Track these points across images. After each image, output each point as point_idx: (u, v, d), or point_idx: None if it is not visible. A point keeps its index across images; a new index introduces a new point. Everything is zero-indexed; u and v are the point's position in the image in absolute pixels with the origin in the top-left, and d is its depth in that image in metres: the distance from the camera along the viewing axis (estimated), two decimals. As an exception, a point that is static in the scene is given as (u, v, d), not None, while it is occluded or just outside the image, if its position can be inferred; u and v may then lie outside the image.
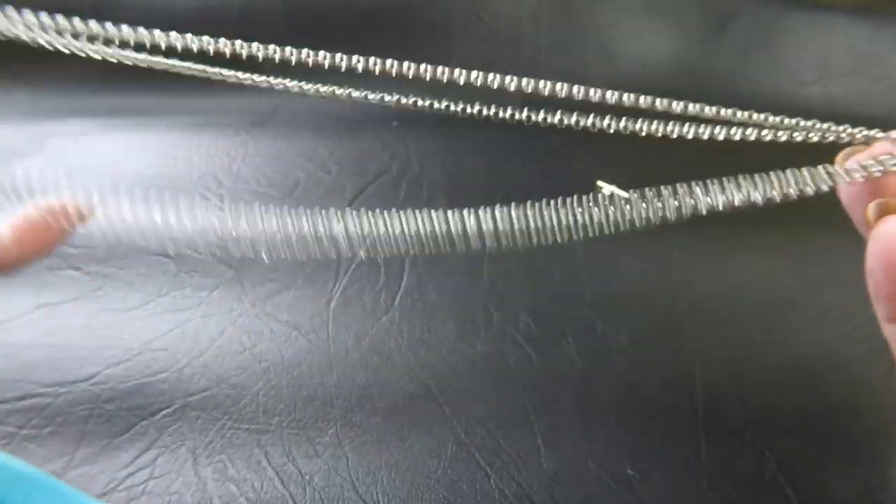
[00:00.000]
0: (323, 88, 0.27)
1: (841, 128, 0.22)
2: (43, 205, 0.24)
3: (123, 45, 0.24)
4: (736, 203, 0.20)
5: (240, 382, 0.30)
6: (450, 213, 0.22)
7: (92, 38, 0.23)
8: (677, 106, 0.24)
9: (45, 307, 0.33)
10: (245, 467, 0.27)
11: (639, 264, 0.35)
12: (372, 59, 0.25)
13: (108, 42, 0.24)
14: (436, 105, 0.27)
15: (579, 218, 0.21)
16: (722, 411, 0.30)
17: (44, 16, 0.22)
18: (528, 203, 0.21)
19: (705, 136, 0.25)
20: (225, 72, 0.26)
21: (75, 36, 0.23)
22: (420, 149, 0.44)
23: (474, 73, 0.25)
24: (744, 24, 0.47)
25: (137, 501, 0.26)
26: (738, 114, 0.23)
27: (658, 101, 0.24)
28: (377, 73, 0.26)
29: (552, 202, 0.21)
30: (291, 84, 0.26)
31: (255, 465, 0.27)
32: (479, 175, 0.43)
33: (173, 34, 0.24)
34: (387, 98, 0.27)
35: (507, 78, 0.25)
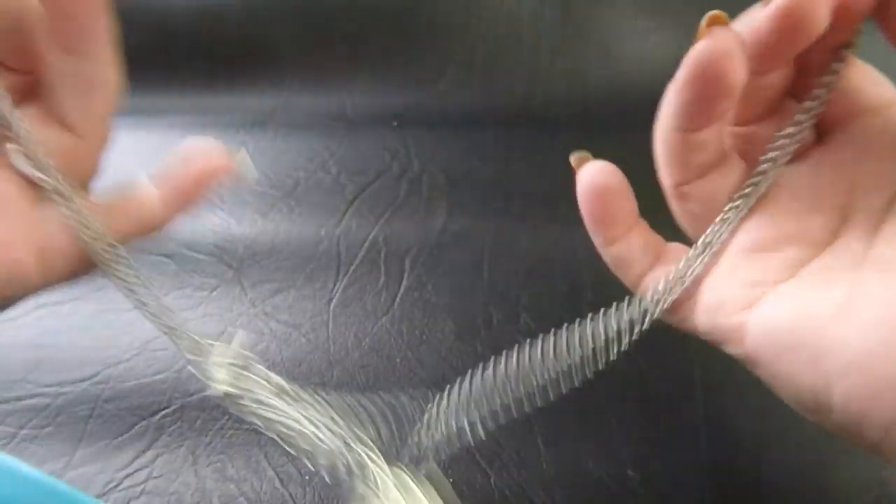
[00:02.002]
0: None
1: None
2: (186, 157, 0.25)
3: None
4: None
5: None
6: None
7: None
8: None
9: (45, 307, 0.33)
10: (245, 467, 0.27)
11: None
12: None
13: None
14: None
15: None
16: (723, 412, 0.30)
17: None
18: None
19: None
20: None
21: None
22: (420, 149, 0.44)
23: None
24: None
25: (137, 501, 0.26)
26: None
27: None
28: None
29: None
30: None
31: (255, 465, 0.27)
32: (479, 175, 0.43)
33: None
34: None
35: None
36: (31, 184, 0.22)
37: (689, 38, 0.20)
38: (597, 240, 0.24)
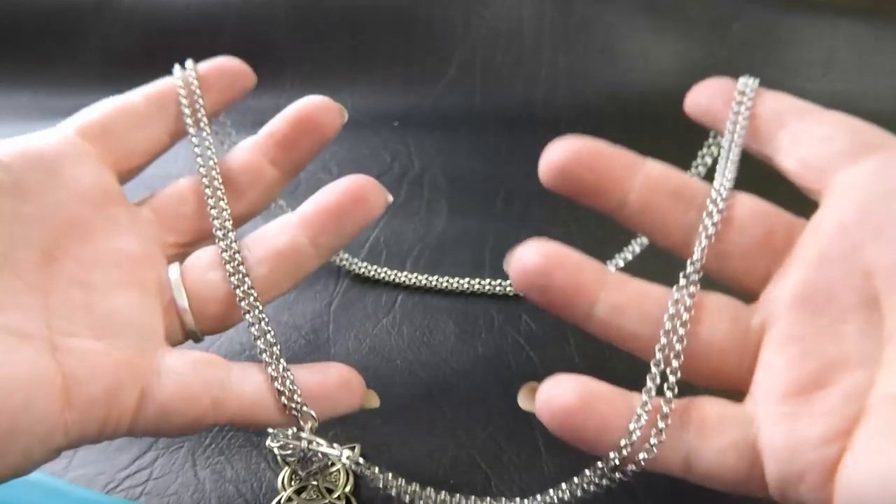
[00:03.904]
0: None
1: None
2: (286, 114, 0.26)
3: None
4: None
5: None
6: None
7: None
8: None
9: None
10: (244, 469, 0.27)
11: (640, 265, 0.34)
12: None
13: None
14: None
15: None
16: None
17: None
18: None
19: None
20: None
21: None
22: (421, 149, 0.44)
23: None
24: (747, 22, 0.47)
25: (137, 502, 0.26)
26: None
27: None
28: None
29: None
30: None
31: (254, 466, 0.27)
32: (479, 176, 0.43)
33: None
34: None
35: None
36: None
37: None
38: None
